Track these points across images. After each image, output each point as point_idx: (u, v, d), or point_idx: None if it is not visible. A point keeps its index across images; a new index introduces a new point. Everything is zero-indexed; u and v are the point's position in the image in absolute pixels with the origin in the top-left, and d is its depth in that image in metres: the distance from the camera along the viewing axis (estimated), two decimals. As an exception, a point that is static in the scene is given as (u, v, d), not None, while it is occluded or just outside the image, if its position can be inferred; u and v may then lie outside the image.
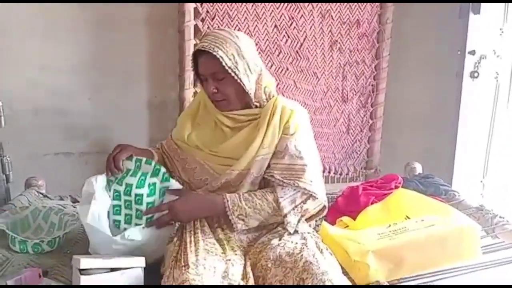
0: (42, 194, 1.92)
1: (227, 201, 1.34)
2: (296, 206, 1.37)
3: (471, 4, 2.14)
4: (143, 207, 1.37)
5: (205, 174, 1.43)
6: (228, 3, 2.05)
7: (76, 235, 1.63)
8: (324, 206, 1.45)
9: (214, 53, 1.32)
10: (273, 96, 1.43)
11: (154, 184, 1.39)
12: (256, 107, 1.42)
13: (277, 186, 1.37)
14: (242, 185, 1.39)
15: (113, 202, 1.39)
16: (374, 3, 2.20)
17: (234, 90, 1.38)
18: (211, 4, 2.03)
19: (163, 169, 1.40)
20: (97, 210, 1.33)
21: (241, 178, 1.39)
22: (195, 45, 2.06)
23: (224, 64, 1.32)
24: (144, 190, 1.37)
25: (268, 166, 1.39)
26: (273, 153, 1.39)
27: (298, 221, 1.38)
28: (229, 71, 1.33)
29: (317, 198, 1.39)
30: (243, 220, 1.34)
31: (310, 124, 1.48)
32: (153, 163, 1.40)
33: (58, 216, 1.62)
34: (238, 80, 1.35)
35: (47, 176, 2.01)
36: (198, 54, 1.38)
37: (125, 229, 1.35)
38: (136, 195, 1.36)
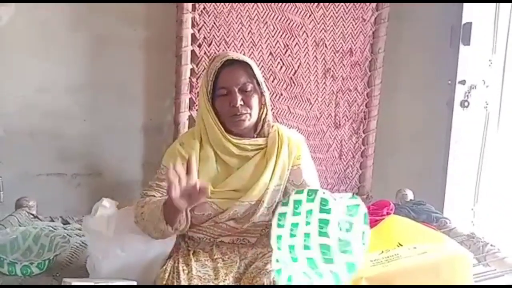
0: (32, 215, 1.90)
1: None
2: None
3: (461, 34, 2.21)
4: None
5: (208, 210, 1.39)
6: (225, 30, 2.09)
7: (67, 258, 1.61)
8: None
9: (247, 62, 1.36)
10: (272, 124, 1.45)
11: None
12: (258, 135, 1.44)
13: None
14: (252, 217, 1.38)
15: None
16: (366, 33, 2.25)
17: (256, 106, 1.39)
18: (209, 30, 2.07)
19: None
20: (106, 216, 1.35)
21: (251, 209, 1.38)
22: (191, 69, 2.08)
23: (255, 72, 1.37)
24: None
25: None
26: (285, 186, 1.41)
27: None
28: (257, 81, 1.37)
29: None
30: None
31: None
32: None
33: (49, 238, 1.60)
34: (260, 93, 1.39)
35: (38, 197, 2.00)
36: (222, 68, 1.36)
37: None
38: None
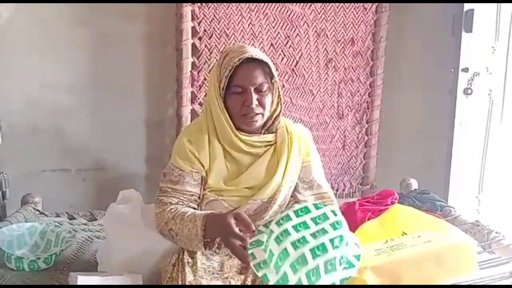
0: (38, 211, 1.91)
1: None
2: None
3: (463, 21, 2.19)
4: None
5: (219, 208, 1.37)
6: (225, 22, 2.08)
7: (73, 252, 1.62)
8: None
9: (267, 61, 1.32)
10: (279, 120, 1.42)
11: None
12: (267, 131, 1.41)
13: None
14: (264, 214, 1.36)
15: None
16: (368, 22, 2.24)
17: (270, 105, 1.37)
18: (209, 23, 2.06)
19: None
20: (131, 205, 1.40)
21: (263, 207, 1.37)
22: (192, 63, 2.08)
23: (273, 71, 1.33)
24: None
25: (296, 198, 1.40)
26: (296, 182, 1.40)
27: None
28: (274, 82, 1.34)
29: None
30: None
31: None
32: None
33: (55, 233, 1.62)
34: (277, 92, 1.36)
35: (44, 193, 2.01)
36: (238, 65, 1.30)
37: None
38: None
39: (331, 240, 1.10)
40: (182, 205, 1.34)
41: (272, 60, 2.16)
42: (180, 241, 1.28)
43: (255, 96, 1.31)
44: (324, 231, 1.11)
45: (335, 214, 1.16)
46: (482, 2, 2.18)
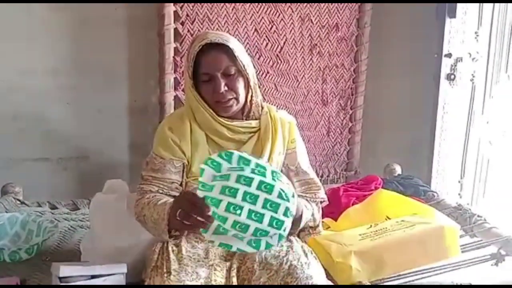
0: (19, 200, 1.88)
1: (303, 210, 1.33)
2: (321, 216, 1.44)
3: (447, 7, 2.19)
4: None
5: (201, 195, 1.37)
6: (208, 6, 2.04)
7: (55, 242, 1.60)
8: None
9: (228, 44, 1.27)
10: (262, 105, 1.40)
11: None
12: (248, 117, 1.39)
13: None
14: None
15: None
16: (352, 7, 2.23)
17: (243, 90, 1.33)
18: (191, 7, 2.03)
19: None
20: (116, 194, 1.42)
21: None
22: (175, 48, 2.05)
23: (237, 55, 1.28)
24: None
25: None
26: (281, 169, 1.39)
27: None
28: (240, 64, 1.29)
29: (325, 201, 1.47)
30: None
31: None
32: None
33: (36, 223, 1.59)
34: (246, 75, 1.31)
35: (24, 183, 1.97)
36: (202, 52, 1.28)
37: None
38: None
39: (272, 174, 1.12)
40: (161, 193, 1.33)
41: (256, 46, 2.17)
42: (150, 227, 1.27)
43: (223, 82, 1.30)
44: (263, 173, 1.10)
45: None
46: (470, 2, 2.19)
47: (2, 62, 2.04)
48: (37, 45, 2.05)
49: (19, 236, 1.57)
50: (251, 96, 1.37)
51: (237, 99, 1.33)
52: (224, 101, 1.32)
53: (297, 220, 1.29)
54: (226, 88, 1.30)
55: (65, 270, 1.22)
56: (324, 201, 1.47)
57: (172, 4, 2.00)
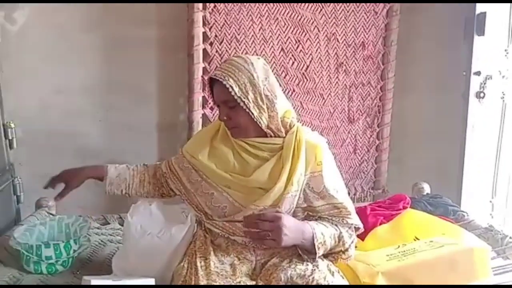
0: (52, 214, 1.93)
1: (315, 231, 1.30)
2: (352, 241, 1.37)
3: (475, 24, 2.17)
4: None
5: (224, 202, 1.37)
6: (235, 27, 2.09)
7: (87, 256, 1.64)
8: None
9: (224, 82, 1.32)
10: (293, 126, 1.40)
11: None
12: (275, 136, 1.39)
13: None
14: None
15: None
16: (379, 26, 2.24)
17: (246, 118, 1.35)
18: (220, 28, 2.08)
19: None
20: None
21: None
22: (204, 68, 2.10)
23: (233, 93, 1.31)
24: None
25: (308, 208, 1.38)
26: (303, 192, 1.36)
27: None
28: (238, 100, 1.32)
29: (360, 229, 1.41)
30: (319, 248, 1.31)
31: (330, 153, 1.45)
32: None
33: (74, 228, 1.65)
34: (247, 110, 1.33)
35: (57, 197, 2.03)
36: (212, 81, 1.39)
37: None
38: None
39: None
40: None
41: (282, 65, 2.20)
42: None
43: (224, 111, 1.37)
44: None
45: None
46: (494, 2, 2.16)
47: (36, 81, 2.12)
48: (70, 64, 2.13)
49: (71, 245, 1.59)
50: (269, 122, 1.36)
51: (238, 127, 1.38)
52: (229, 127, 1.40)
53: (307, 240, 1.28)
54: (225, 118, 1.38)
55: (95, 283, 1.25)
56: (358, 227, 1.40)
57: (201, 25, 2.05)
